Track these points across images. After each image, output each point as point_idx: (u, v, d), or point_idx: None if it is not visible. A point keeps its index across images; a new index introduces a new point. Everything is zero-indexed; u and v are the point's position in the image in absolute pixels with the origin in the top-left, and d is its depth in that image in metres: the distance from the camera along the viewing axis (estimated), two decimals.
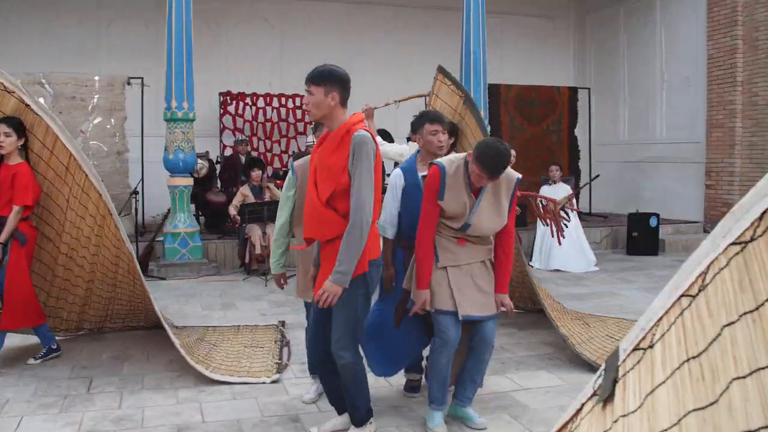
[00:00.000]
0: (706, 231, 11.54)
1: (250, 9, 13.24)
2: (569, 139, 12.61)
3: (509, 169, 3.73)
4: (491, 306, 3.82)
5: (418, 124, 4.25)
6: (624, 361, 1.16)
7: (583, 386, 4.66)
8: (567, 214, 9.00)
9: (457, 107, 5.75)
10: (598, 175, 10.29)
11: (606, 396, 1.14)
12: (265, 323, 6.24)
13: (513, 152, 8.19)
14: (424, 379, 4.51)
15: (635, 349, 1.13)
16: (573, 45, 15.58)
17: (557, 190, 9.55)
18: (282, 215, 4.24)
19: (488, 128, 5.70)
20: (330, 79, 3.31)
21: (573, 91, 12.74)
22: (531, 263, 9.60)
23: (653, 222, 10.25)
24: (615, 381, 1.14)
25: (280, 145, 12.97)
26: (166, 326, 4.84)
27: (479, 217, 3.70)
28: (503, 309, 3.87)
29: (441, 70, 5.78)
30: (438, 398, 3.88)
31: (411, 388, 4.56)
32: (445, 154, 4.30)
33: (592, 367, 4.88)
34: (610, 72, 14.17)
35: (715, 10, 11.26)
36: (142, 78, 9.43)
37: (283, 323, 6.19)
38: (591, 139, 12.92)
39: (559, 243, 7.76)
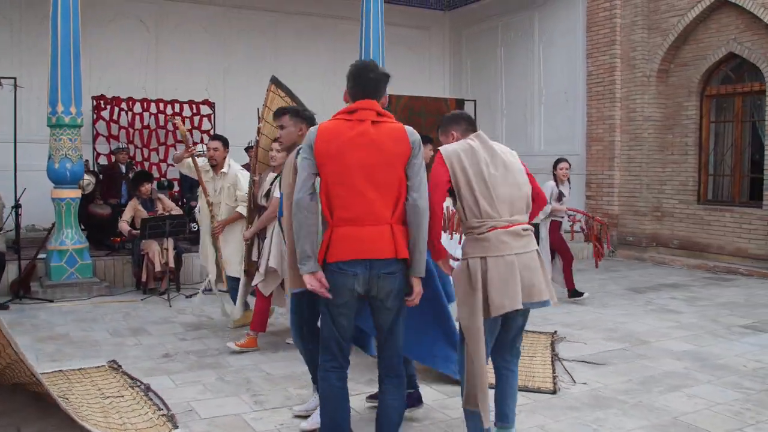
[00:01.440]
0: (587, 241, 12.06)
1: (123, 7, 12.35)
2: None
3: None
4: None
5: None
6: None
7: (550, 403, 4.72)
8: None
9: None
10: None
11: None
12: (92, 364, 5.24)
13: (566, 164, 7.95)
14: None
15: None
16: (449, 57, 15.91)
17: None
18: None
19: None
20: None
21: (460, 103, 12.96)
22: None
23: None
24: None
25: (158, 154, 12.18)
26: (41, 379, 3.89)
27: None
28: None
29: (274, 81, 5.53)
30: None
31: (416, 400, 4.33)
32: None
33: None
34: (488, 85, 14.56)
35: (594, 29, 11.87)
36: (15, 78, 8.45)
37: (115, 362, 5.28)
38: None
39: (596, 266, 7.76)
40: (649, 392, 4.86)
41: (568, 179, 8.11)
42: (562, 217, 7.99)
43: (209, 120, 12.35)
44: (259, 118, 5.65)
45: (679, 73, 11.03)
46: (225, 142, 6.47)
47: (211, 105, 12.30)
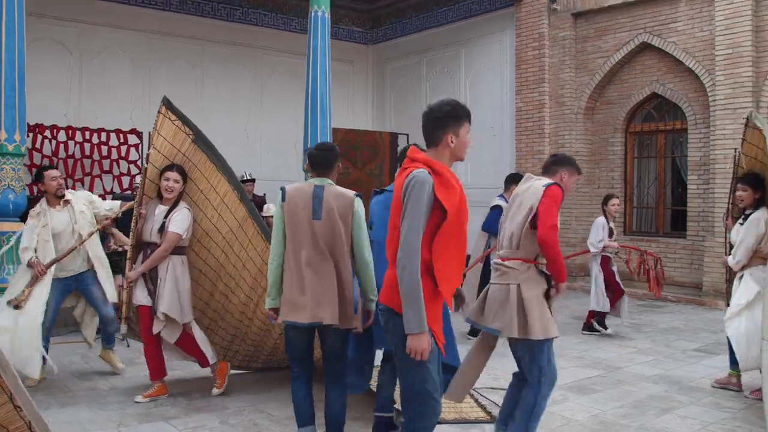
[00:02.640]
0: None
1: (44, 30, 11.74)
2: (390, 183, 12.88)
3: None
4: None
5: None
6: None
7: (562, 431, 4.83)
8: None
9: (182, 146, 5.08)
10: None
11: None
12: (74, 413, 4.77)
13: (617, 200, 8.10)
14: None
15: None
16: (372, 91, 16.11)
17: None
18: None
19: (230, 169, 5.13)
20: None
21: (393, 137, 13.11)
22: None
23: None
24: None
25: (83, 185, 11.55)
26: None
27: None
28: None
29: (165, 102, 4.96)
30: None
31: (387, 426, 4.32)
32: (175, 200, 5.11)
33: None
34: (412, 119, 14.78)
35: (523, 68, 12.37)
36: None
37: None
38: None
39: (659, 296, 7.99)
40: (645, 415, 5.06)
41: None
42: (616, 252, 8.08)
43: (137, 150, 11.87)
44: (149, 144, 5.14)
45: (605, 110, 11.67)
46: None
47: (139, 135, 11.84)
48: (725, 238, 5.94)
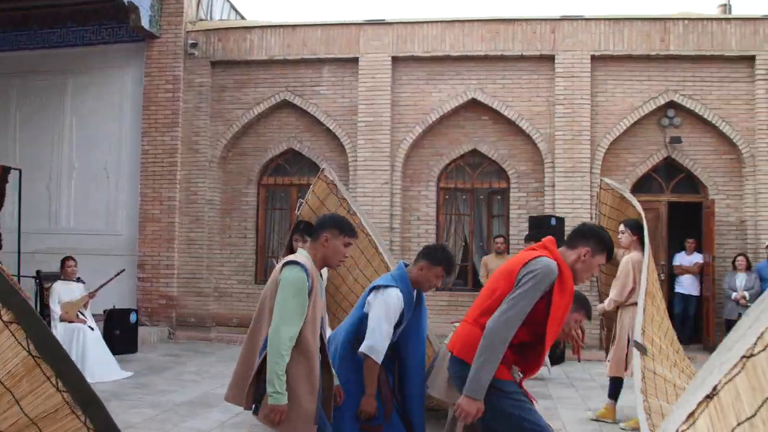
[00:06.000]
0: (143, 324, 11.49)
1: None
2: None
3: None
4: None
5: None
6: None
7: None
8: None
9: None
10: (123, 270, 9.17)
11: None
12: None
13: None
14: None
15: None
16: None
17: (74, 290, 8.39)
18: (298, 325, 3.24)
19: None
20: None
21: (5, 171, 10.85)
22: None
23: (133, 318, 9.80)
24: None
25: None
26: None
27: None
28: None
29: None
30: None
31: None
32: None
33: None
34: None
35: (153, 109, 11.66)
36: None
37: None
38: (21, 226, 11.12)
39: (579, 360, 6.82)
40: None
41: None
42: None
43: None
44: None
45: (239, 161, 11.79)
46: None
47: None
48: None
